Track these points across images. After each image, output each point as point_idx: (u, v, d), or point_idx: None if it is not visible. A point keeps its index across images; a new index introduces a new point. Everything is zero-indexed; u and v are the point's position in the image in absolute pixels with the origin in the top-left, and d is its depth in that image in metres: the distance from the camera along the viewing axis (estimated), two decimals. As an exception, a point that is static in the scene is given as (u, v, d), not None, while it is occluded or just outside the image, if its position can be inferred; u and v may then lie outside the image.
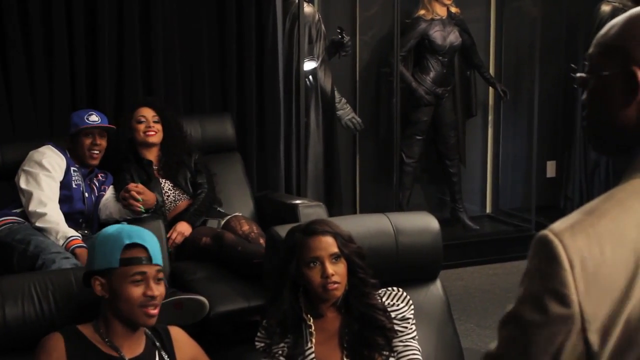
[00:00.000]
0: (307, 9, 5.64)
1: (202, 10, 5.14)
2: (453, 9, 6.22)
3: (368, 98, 6.43)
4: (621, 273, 1.19)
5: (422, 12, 6.14)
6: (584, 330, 1.19)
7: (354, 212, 6.31)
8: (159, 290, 2.59)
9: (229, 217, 4.42)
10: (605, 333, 1.19)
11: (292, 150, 5.48)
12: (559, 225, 1.25)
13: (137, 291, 2.56)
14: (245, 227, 4.28)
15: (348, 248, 2.70)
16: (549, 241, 1.22)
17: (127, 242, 2.57)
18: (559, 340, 1.20)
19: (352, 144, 6.43)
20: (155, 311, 2.58)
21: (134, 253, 2.58)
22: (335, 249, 2.68)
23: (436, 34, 6.11)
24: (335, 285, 2.66)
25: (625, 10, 5.65)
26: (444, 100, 6.31)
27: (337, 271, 2.66)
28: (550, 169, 6.99)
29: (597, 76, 1.41)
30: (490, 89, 6.72)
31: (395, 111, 6.00)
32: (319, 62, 5.72)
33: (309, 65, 5.65)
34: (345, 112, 5.97)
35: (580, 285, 1.18)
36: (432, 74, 6.19)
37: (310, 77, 5.69)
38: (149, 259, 2.59)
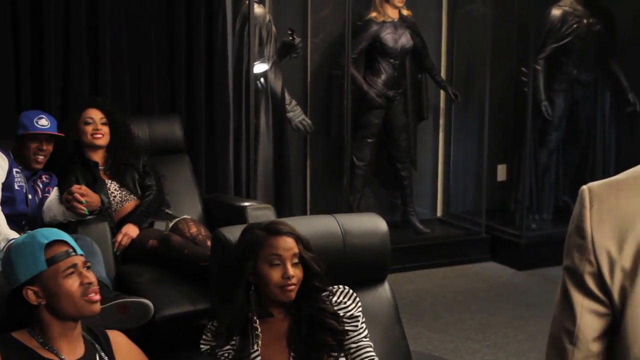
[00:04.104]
0: (258, 9, 5.60)
1: (151, 9, 5.08)
2: (405, 12, 6.22)
3: (319, 100, 6.40)
4: (629, 217, 1.44)
5: (373, 14, 6.12)
6: (595, 256, 1.46)
7: (304, 215, 6.27)
8: (93, 276, 2.57)
9: (177, 219, 4.37)
10: (612, 261, 1.44)
11: (241, 152, 5.44)
12: (597, 181, 1.54)
13: (74, 284, 2.52)
14: (193, 230, 4.23)
15: (307, 254, 2.70)
16: (582, 190, 1.51)
17: (46, 241, 2.53)
18: (581, 267, 1.48)
19: (303, 146, 6.40)
20: (97, 297, 2.55)
21: (58, 249, 2.54)
22: (296, 251, 2.67)
23: (387, 36, 6.10)
24: (293, 287, 2.65)
25: (575, 14, 5.74)
26: (395, 103, 6.30)
27: (296, 273, 2.66)
28: (501, 172, 7.01)
29: None
30: (442, 92, 6.72)
31: (346, 114, 5.98)
32: (270, 64, 5.68)
33: (260, 67, 5.61)
34: (296, 114, 5.94)
35: (595, 220, 1.47)
36: (383, 77, 6.17)
37: (262, 78, 5.66)
38: (74, 250, 2.57)
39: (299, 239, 2.70)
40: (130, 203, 4.41)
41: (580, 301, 1.48)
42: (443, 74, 6.73)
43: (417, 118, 6.65)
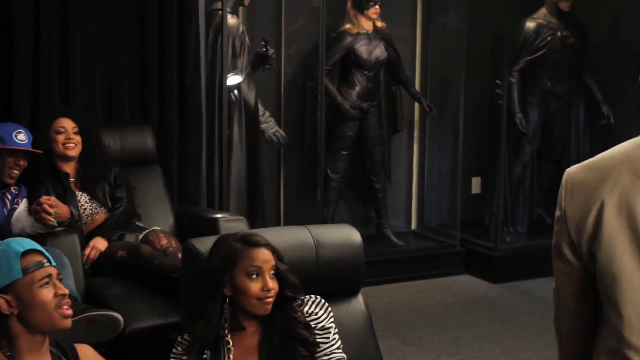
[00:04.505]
0: (231, 20, 5.56)
1: (123, 18, 5.02)
2: (379, 24, 6.20)
3: (293, 112, 6.36)
4: (590, 193, 1.75)
5: (348, 26, 6.10)
6: (567, 226, 1.78)
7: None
8: (65, 289, 2.52)
9: (148, 231, 4.31)
10: (579, 229, 1.76)
11: (214, 164, 5.40)
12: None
13: (49, 294, 2.47)
14: (164, 242, 4.17)
15: (282, 266, 2.68)
16: (564, 173, 1.84)
17: (22, 250, 2.48)
18: (559, 236, 1.82)
19: (277, 159, 6.36)
20: (70, 311, 2.51)
21: (34, 259, 2.49)
22: (274, 263, 2.65)
23: (362, 48, 6.08)
24: (271, 300, 2.63)
25: (550, 27, 5.80)
26: (370, 116, 6.27)
27: (274, 286, 2.64)
28: (476, 185, 6.99)
29: None
30: (416, 104, 6.70)
31: (320, 126, 5.95)
32: (244, 75, 5.64)
33: (234, 79, 5.57)
34: (269, 125, 5.90)
35: (567, 196, 1.80)
36: (357, 89, 6.15)
37: (235, 90, 5.62)
38: (49, 261, 2.52)
39: (275, 251, 2.68)
40: (101, 216, 4.34)
41: (558, 266, 1.84)
42: (418, 87, 6.71)
43: (391, 130, 6.63)
